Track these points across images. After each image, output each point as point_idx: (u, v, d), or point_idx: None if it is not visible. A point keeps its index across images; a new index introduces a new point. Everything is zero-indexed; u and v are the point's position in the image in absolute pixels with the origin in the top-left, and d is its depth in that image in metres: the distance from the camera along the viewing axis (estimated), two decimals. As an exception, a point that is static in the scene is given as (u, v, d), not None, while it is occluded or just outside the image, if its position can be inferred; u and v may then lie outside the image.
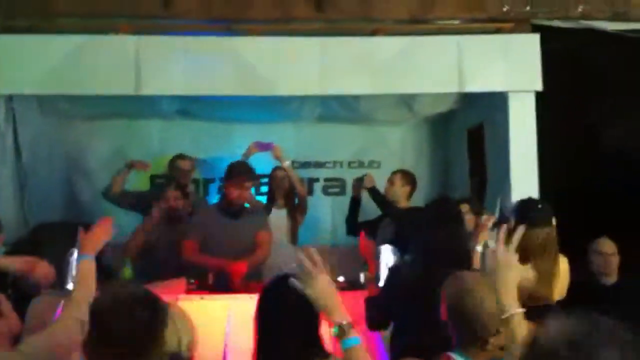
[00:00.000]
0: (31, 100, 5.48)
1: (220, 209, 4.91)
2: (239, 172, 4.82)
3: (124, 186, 5.51)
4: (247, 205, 5.03)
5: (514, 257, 2.02)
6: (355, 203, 5.47)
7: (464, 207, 4.81)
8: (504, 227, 2.07)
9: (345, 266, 5.02)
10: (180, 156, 5.64)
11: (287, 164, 5.44)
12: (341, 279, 4.50)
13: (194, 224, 4.92)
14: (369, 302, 3.56)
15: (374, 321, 3.42)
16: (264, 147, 5.40)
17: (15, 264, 3.40)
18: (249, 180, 4.85)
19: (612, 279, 4.70)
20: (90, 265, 2.77)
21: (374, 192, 5.28)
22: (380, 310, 3.41)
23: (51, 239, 4.75)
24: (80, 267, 2.73)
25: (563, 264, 3.61)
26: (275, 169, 5.67)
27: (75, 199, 6.25)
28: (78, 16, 5.07)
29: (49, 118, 6.06)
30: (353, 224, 5.50)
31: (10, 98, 5.08)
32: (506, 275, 1.99)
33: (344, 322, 2.01)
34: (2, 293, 2.80)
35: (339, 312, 2.04)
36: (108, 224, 3.04)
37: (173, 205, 5.06)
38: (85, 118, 6.36)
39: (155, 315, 1.95)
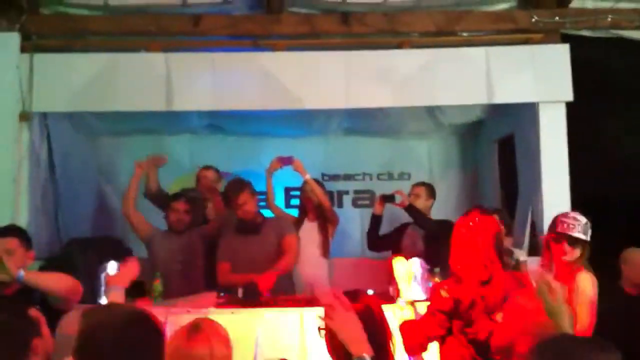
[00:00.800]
0: (64, 117, 5.58)
1: (238, 229, 4.94)
2: (235, 190, 4.83)
3: (155, 186, 5.53)
4: (268, 215, 5.08)
5: None
6: (376, 219, 5.44)
7: None
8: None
9: (375, 278, 5.01)
10: (205, 167, 5.65)
11: (308, 177, 5.42)
12: (370, 292, 4.48)
13: (222, 246, 4.95)
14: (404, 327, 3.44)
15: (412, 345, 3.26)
16: (285, 161, 5.40)
17: (41, 279, 3.45)
18: (244, 191, 4.84)
19: None
20: (119, 297, 2.88)
21: (412, 210, 5.23)
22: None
23: (83, 254, 4.82)
24: (110, 297, 2.83)
25: (586, 280, 3.53)
26: (305, 182, 5.66)
27: (106, 213, 6.33)
28: (109, 35, 5.18)
29: (81, 134, 6.17)
30: (374, 239, 5.48)
31: (44, 115, 5.16)
32: None
33: (365, 356, 2.07)
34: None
35: (360, 345, 2.11)
36: (134, 264, 3.14)
37: (182, 217, 5.09)
38: (116, 134, 6.47)
39: (147, 334, 1.96)
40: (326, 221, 5.50)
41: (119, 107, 5.09)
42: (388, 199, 5.41)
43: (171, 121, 6.07)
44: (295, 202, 6.08)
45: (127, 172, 6.30)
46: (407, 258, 5.09)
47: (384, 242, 5.48)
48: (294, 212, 5.77)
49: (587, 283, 3.49)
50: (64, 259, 3.85)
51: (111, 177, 6.50)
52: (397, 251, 5.27)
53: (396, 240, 5.42)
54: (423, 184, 5.51)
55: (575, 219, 3.57)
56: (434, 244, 5.09)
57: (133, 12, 5.08)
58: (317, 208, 5.49)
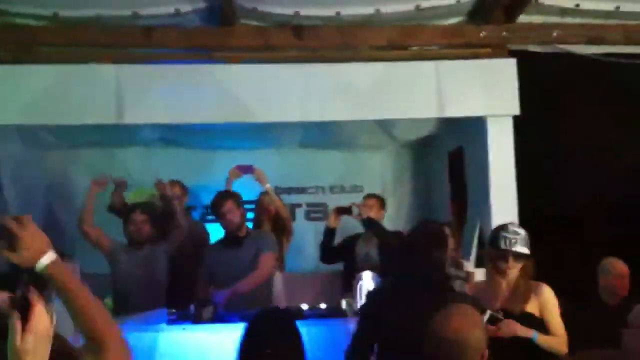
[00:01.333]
0: (11, 130, 5.46)
1: (223, 241, 4.90)
2: (223, 201, 4.78)
3: (120, 201, 5.47)
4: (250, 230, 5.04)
5: None
6: (331, 232, 5.39)
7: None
8: None
9: (328, 292, 5.02)
10: (169, 182, 5.55)
11: (268, 186, 5.42)
12: (323, 305, 4.49)
13: (202, 263, 4.91)
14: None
15: (352, 353, 3.23)
16: (245, 170, 5.37)
17: None
18: (225, 203, 4.78)
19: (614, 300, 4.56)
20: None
21: (370, 222, 5.24)
22: (356, 340, 3.24)
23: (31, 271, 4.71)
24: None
25: (549, 292, 3.59)
26: (261, 194, 5.63)
27: (56, 229, 6.20)
28: (59, 46, 5.09)
29: (30, 148, 6.05)
30: (328, 252, 5.45)
31: (-10, 129, 5.06)
32: None
33: None
34: None
35: None
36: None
37: (139, 228, 4.98)
38: (66, 147, 6.36)
39: None
40: (282, 234, 5.49)
41: (69, 121, 5.03)
42: (344, 211, 5.43)
43: (123, 134, 6.01)
44: (250, 215, 6.05)
45: (79, 186, 6.24)
46: (360, 270, 5.16)
47: (336, 254, 5.48)
48: (249, 225, 5.74)
49: (551, 294, 3.55)
50: (12, 276, 3.74)
51: (62, 191, 6.37)
52: (350, 263, 5.31)
53: (348, 251, 5.43)
54: (375, 195, 5.54)
55: (515, 232, 3.59)
56: (388, 255, 5.18)
57: (83, 23, 5.00)
58: (273, 220, 5.49)
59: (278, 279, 5.22)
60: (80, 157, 6.46)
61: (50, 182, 6.42)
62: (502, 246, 3.51)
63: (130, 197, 5.69)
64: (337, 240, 5.51)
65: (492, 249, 3.59)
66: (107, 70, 4.98)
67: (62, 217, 6.24)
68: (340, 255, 5.43)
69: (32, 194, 6.02)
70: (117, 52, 5.15)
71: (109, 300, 4.60)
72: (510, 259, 3.51)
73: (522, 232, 3.58)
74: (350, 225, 5.49)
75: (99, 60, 5.05)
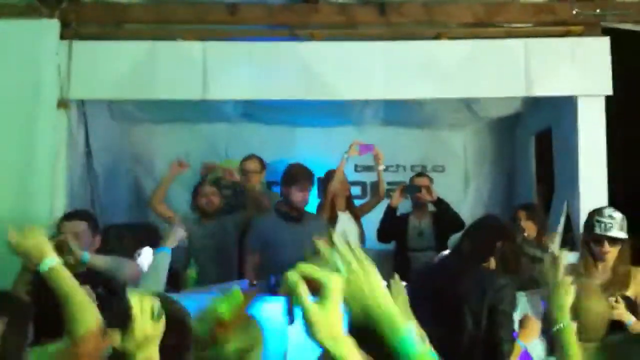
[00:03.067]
0: (101, 105, 5.63)
1: (281, 214, 4.80)
2: (303, 175, 4.75)
3: None
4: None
5: None
6: (392, 211, 5.37)
7: (522, 214, 4.74)
8: None
9: (398, 270, 4.98)
10: (248, 157, 5.63)
11: (381, 168, 5.43)
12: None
13: (251, 235, 4.86)
14: None
15: None
16: (366, 149, 5.36)
17: (105, 263, 3.51)
18: (311, 183, 4.83)
19: None
20: (167, 259, 2.94)
21: (442, 203, 5.21)
22: None
23: (120, 240, 4.89)
24: (158, 258, 2.88)
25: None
26: (330, 171, 5.57)
27: (142, 201, 6.40)
28: (147, 23, 5.20)
29: (118, 122, 6.24)
30: (385, 231, 5.43)
31: (82, 103, 5.22)
32: None
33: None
34: (94, 290, 2.91)
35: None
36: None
37: (210, 200, 5.09)
38: (153, 122, 6.52)
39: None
40: (357, 210, 5.50)
41: (156, 96, 5.11)
42: (410, 189, 5.38)
43: (206, 110, 6.10)
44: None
45: (163, 160, 6.42)
46: (411, 250, 5.14)
47: (391, 233, 5.44)
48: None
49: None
50: (102, 245, 3.91)
51: (146, 164, 6.57)
52: (403, 242, 5.29)
53: (401, 231, 5.40)
54: (426, 174, 5.60)
55: (611, 217, 3.52)
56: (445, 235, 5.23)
57: (171, 1, 5.10)
58: (347, 199, 5.49)
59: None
60: (165, 132, 6.62)
61: (136, 155, 6.60)
62: (598, 231, 3.47)
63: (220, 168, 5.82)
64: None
65: (587, 234, 3.54)
66: (194, 47, 5.04)
67: (147, 188, 6.42)
68: (395, 234, 5.40)
69: (119, 165, 6.22)
70: (203, 29, 5.21)
71: (192, 271, 4.72)
72: (606, 244, 3.46)
73: (618, 216, 3.50)
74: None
75: (185, 37, 5.12)
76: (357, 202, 5.83)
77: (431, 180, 5.53)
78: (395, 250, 5.51)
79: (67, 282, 2.21)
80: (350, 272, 1.30)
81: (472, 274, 3.16)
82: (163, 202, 5.17)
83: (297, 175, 4.75)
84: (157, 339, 1.60)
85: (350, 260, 1.31)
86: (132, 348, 1.55)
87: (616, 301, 3.25)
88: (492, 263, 3.26)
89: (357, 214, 5.51)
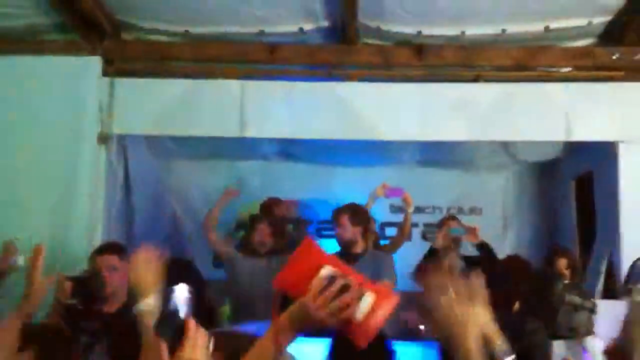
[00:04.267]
0: (140, 139, 5.73)
1: (339, 255, 4.82)
2: (333, 213, 4.84)
3: None
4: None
5: None
6: (434, 253, 5.21)
7: (562, 262, 4.64)
8: None
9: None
10: (275, 201, 5.64)
11: (410, 211, 5.39)
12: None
13: None
14: None
15: None
16: (395, 192, 5.33)
17: None
18: (340, 216, 4.77)
19: None
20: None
21: (485, 247, 5.11)
22: None
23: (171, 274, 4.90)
24: None
25: None
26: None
27: (178, 236, 6.44)
28: (188, 61, 5.30)
29: (157, 157, 6.32)
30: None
31: (122, 137, 5.30)
32: None
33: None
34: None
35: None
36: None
37: (264, 239, 5.09)
38: (190, 158, 6.60)
39: None
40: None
41: (195, 132, 5.19)
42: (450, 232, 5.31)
43: (243, 147, 6.15)
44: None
45: (200, 196, 6.50)
46: None
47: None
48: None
49: None
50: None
51: (183, 199, 6.62)
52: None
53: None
54: (455, 217, 5.46)
55: None
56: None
57: (212, 40, 5.19)
58: (375, 239, 5.43)
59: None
60: (202, 168, 6.69)
61: (173, 190, 6.67)
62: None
63: (247, 210, 5.83)
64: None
65: (629, 285, 3.47)
66: (233, 85, 5.11)
67: (184, 224, 6.47)
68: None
69: (157, 199, 6.28)
70: (243, 68, 5.28)
71: (226, 307, 4.71)
72: None
73: None
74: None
75: (225, 76, 5.20)
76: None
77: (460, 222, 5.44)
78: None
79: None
80: None
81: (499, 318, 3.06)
82: (215, 231, 5.20)
83: (332, 216, 4.83)
84: None
85: None
86: None
87: None
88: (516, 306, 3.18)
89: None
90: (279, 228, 5.37)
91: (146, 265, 2.43)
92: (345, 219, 4.75)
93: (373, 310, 1.65)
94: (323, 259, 1.75)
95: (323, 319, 1.63)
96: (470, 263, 5.27)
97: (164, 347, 1.51)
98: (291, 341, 1.69)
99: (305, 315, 1.66)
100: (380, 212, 5.53)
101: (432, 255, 5.27)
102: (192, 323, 1.53)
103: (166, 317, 1.70)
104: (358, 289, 1.64)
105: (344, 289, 1.64)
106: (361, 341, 1.67)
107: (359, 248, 4.78)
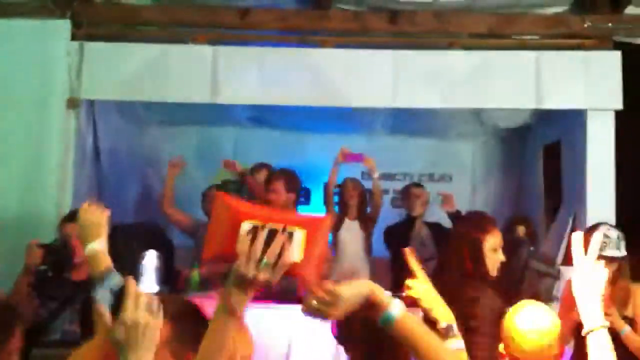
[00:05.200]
0: (111, 105, 5.65)
1: None
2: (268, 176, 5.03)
3: None
4: None
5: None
6: (412, 220, 5.35)
7: (520, 229, 4.71)
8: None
9: (401, 280, 4.96)
10: (258, 165, 5.63)
11: (376, 176, 5.43)
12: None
13: None
14: None
15: None
16: (354, 157, 5.36)
17: None
18: (273, 181, 4.90)
19: None
20: None
21: (457, 216, 5.18)
22: None
23: (126, 241, 4.88)
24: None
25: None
26: (346, 180, 5.63)
27: (149, 202, 6.40)
28: (158, 25, 5.22)
29: (127, 123, 6.24)
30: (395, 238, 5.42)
31: (91, 103, 5.23)
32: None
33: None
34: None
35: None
36: None
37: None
38: (161, 124, 6.53)
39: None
40: (367, 219, 5.48)
41: (166, 98, 5.12)
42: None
43: (215, 113, 6.11)
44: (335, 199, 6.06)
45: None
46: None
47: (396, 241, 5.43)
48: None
49: None
50: (108, 245, 3.89)
51: (156, 166, 6.56)
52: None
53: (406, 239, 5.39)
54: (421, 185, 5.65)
55: (605, 236, 3.49)
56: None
57: (182, 4, 5.11)
58: (359, 206, 5.48)
59: (367, 262, 5.23)
60: (174, 134, 6.64)
61: (145, 156, 6.61)
62: None
63: (218, 175, 5.81)
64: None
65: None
66: (204, 50, 5.04)
67: (156, 190, 6.42)
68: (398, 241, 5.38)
69: (128, 167, 6.22)
70: (214, 33, 5.22)
71: (195, 274, 4.71)
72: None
73: (613, 234, 3.48)
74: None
75: (196, 40, 5.13)
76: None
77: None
78: (396, 258, 5.45)
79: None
80: None
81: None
82: (173, 206, 5.19)
83: (266, 180, 4.96)
84: (151, 332, 1.51)
85: None
86: (120, 335, 1.47)
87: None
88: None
89: (366, 224, 5.49)
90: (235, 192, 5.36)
91: (91, 215, 2.49)
92: (280, 185, 4.82)
93: (309, 243, 1.59)
94: (240, 213, 1.66)
95: (263, 279, 1.57)
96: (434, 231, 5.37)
97: (104, 310, 1.47)
98: (245, 306, 1.63)
99: (244, 280, 1.59)
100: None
101: (409, 222, 5.33)
102: (132, 284, 1.48)
103: (103, 281, 1.68)
104: (284, 231, 1.57)
105: (270, 236, 1.57)
106: (311, 279, 1.62)
107: None
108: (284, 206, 4.76)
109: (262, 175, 5.44)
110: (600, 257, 3.39)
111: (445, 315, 2.10)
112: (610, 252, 3.44)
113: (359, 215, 5.50)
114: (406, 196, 5.70)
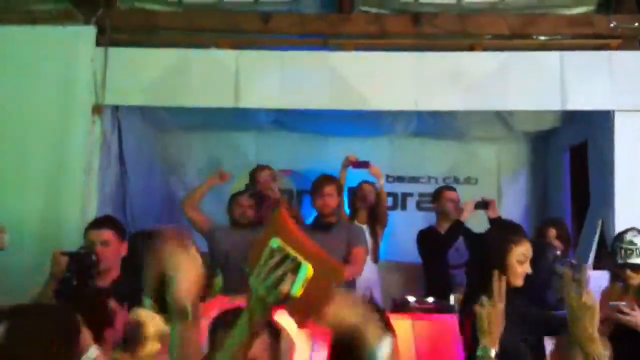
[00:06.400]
0: (135, 110, 5.69)
1: (314, 224, 4.94)
2: (318, 181, 4.92)
3: None
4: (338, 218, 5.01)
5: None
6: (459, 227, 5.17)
7: (552, 232, 4.65)
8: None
9: (436, 286, 4.92)
10: (259, 167, 5.65)
11: (382, 183, 5.40)
12: (430, 299, 4.40)
13: None
14: None
15: None
16: (360, 165, 5.34)
17: None
18: (327, 186, 4.86)
19: None
20: None
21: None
22: None
23: (147, 246, 4.90)
24: None
25: None
26: (362, 182, 5.58)
27: (172, 206, 6.43)
28: (182, 31, 5.25)
29: (151, 128, 6.29)
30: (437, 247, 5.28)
31: (116, 108, 5.26)
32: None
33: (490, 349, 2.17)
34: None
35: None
36: None
37: (245, 211, 5.06)
38: (184, 128, 6.56)
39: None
40: (377, 224, 5.45)
41: (189, 103, 5.15)
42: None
43: (238, 117, 6.12)
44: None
45: (194, 166, 6.48)
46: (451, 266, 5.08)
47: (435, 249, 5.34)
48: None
49: None
50: (130, 250, 3.92)
51: (178, 170, 6.60)
52: (443, 258, 5.19)
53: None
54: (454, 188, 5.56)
55: (631, 242, 3.45)
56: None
57: (205, 9, 5.14)
58: (370, 210, 5.45)
59: (372, 269, 5.20)
60: (196, 138, 6.65)
61: (167, 160, 6.63)
62: (619, 259, 3.41)
63: (239, 180, 5.81)
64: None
65: (611, 260, 3.50)
66: (226, 55, 5.07)
67: (178, 195, 6.45)
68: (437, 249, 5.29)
69: (151, 171, 6.26)
70: (236, 38, 5.24)
71: (219, 279, 4.72)
72: (628, 271, 3.40)
73: (639, 240, 3.42)
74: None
75: (218, 45, 5.16)
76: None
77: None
78: (432, 265, 5.35)
79: None
80: None
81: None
82: (197, 208, 5.19)
83: (318, 184, 4.91)
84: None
85: None
86: None
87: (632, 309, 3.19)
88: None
89: (376, 228, 5.45)
90: (261, 199, 5.36)
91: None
92: (332, 189, 4.85)
93: (313, 283, 1.54)
94: (284, 232, 1.62)
95: (262, 296, 1.53)
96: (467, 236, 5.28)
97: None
98: (264, 320, 1.59)
99: (259, 298, 1.56)
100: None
101: (458, 227, 5.20)
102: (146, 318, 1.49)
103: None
104: (293, 261, 1.53)
105: (281, 262, 1.54)
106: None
107: (335, 217, 4.92)
108: (334, 210, 4.90)
109: (264, 175, 5.49)
110: (627, 265, 3.38)
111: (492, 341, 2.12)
112: (635, 260, 3.40)
113: (369, 219, 5.47)
114: (438, 199, 5.57)
